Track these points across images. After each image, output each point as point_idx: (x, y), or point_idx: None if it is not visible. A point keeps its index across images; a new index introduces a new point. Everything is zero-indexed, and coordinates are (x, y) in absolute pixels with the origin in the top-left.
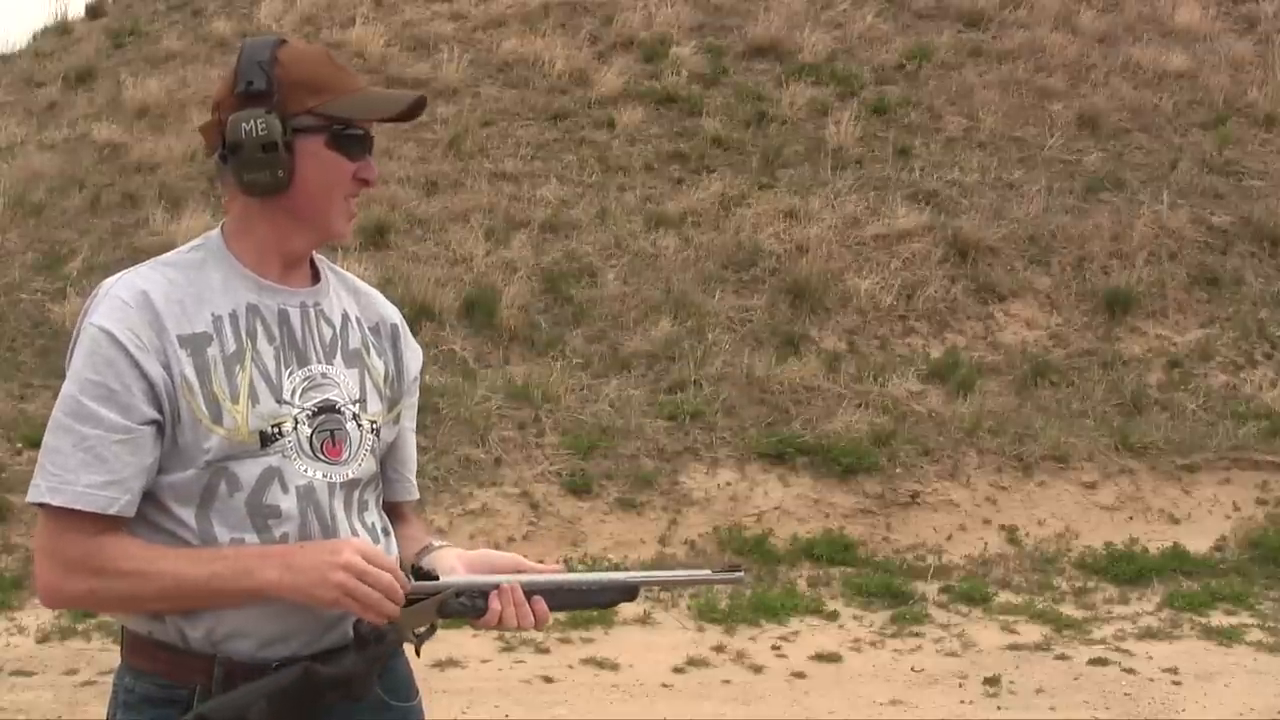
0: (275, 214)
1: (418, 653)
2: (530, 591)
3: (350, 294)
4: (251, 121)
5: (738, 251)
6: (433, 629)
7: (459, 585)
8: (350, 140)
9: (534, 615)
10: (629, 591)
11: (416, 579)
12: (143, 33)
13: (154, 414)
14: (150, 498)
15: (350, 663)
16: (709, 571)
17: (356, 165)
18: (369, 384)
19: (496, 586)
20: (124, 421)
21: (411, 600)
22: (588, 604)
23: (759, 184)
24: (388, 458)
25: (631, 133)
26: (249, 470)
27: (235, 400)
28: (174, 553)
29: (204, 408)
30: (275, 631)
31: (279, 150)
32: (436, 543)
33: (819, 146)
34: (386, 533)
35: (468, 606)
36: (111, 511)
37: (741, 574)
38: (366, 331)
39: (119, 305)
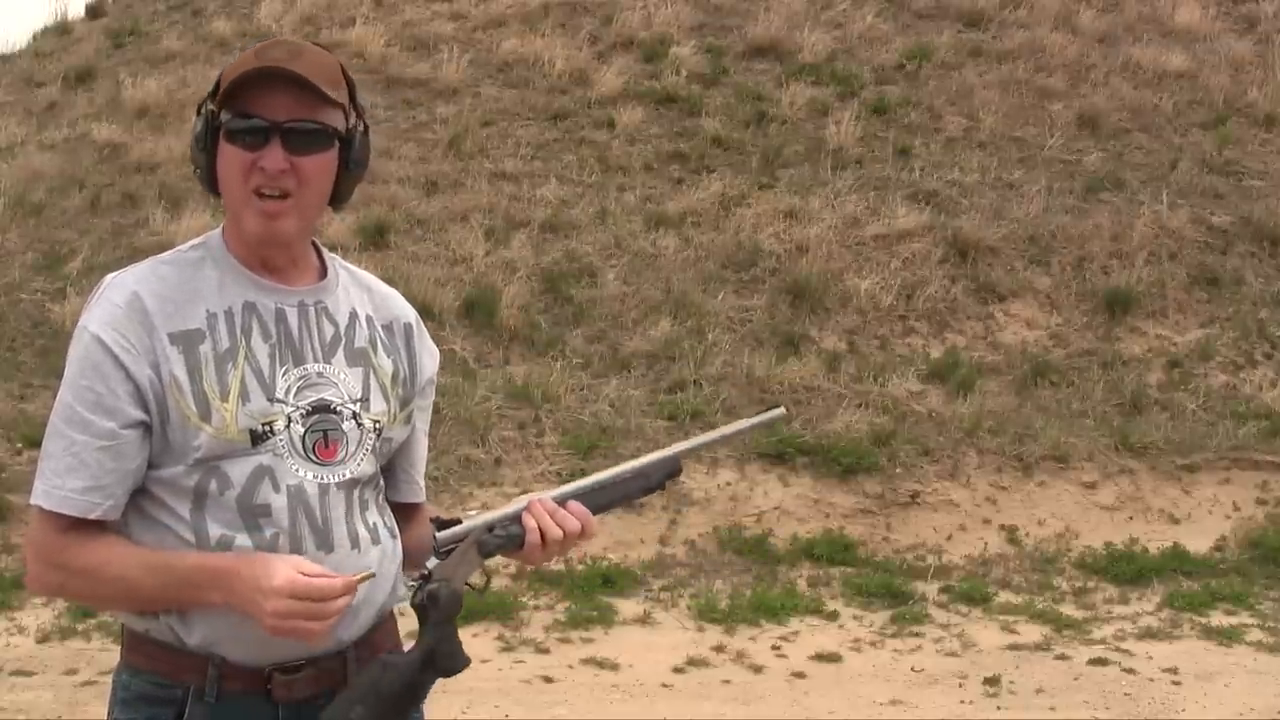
0: (227, 214)
1: (482, 593)
2: (563, 501)
3: (364, 292)
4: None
5: (738, 251)
6: (487, 577)
7: (487, 520)
8: (241, 130)
9: (575, 518)
10: (671, 468)
11: (439, 529)
12: (143, 33)
13: (140, 415)
14: (147, 493)
15: (424, 636)
16: (746, 421)
17: (255, 155)
18: (373, 383)
19: (526, 508)
20: (108, 426)
21: (446, 553)
22: (632, 494)
23: (759, 184)
24: (398, 458)
25: (631, 133)
26: (239, 469)
27: (225, 398)
28: (134, 558)
29: (193, 405)
30: (269, 637)
31: (199, 150)
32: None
33: (819, 146)
34: (394, 534)
35: (504, 538)
36: (92, 516)
37: (781, 410)
38: (378, 330)
39: (110, 308)
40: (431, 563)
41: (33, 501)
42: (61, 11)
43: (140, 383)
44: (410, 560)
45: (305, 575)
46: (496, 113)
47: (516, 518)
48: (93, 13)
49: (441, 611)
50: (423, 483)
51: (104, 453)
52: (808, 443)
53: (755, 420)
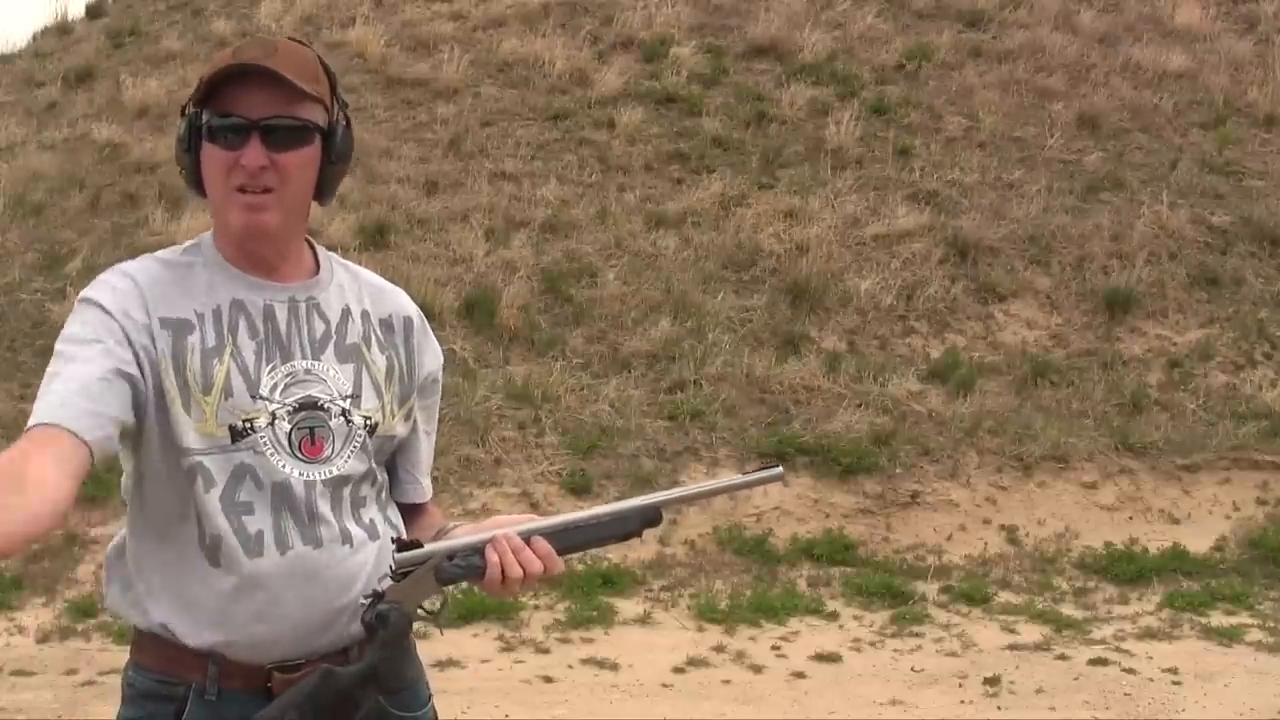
0: (214, 214)
1: (440, 630)
2: (529, 537)
3: (363, 289)
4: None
5: (738, 251)
6: (444, 602)
7: (449, 548)
8: (221, 129)
9: (537, 557)
10: (650, 516)
11: (399, 551)
12: (143, 33)
13: (128, 359)
14: (146, 481)
15: (369, 654)
16: (741, 476)
17: (235, 154)
18: (365, 380)
19: (490, 540)
20: (93, 350)
21: (403, 575)
22: (607, 538)
23: (759, 184)
24: (400, 458)
25: (631, 133)
26: (221, 466)
27: (207, 392)
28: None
29: (175, 389)
30: (265, 636)
31: (183, 151)
32: (451, 524)
33: (819, 146)
34: (392, 525)
35: (463, 568)
36: (51, 419)
37: (780, 470)
38: (374, 325)
39: (109, 286)
40: (386, 584)
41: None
42: (61, 11)
43: (135, 346)
44: None
45: None
46: (496, 113)
47: (479, 549)
48: (93, 13)
49: (389, 633)
50: (427, 483)
51: (105, 385)
52: (808, 443)
53: (749, 478)
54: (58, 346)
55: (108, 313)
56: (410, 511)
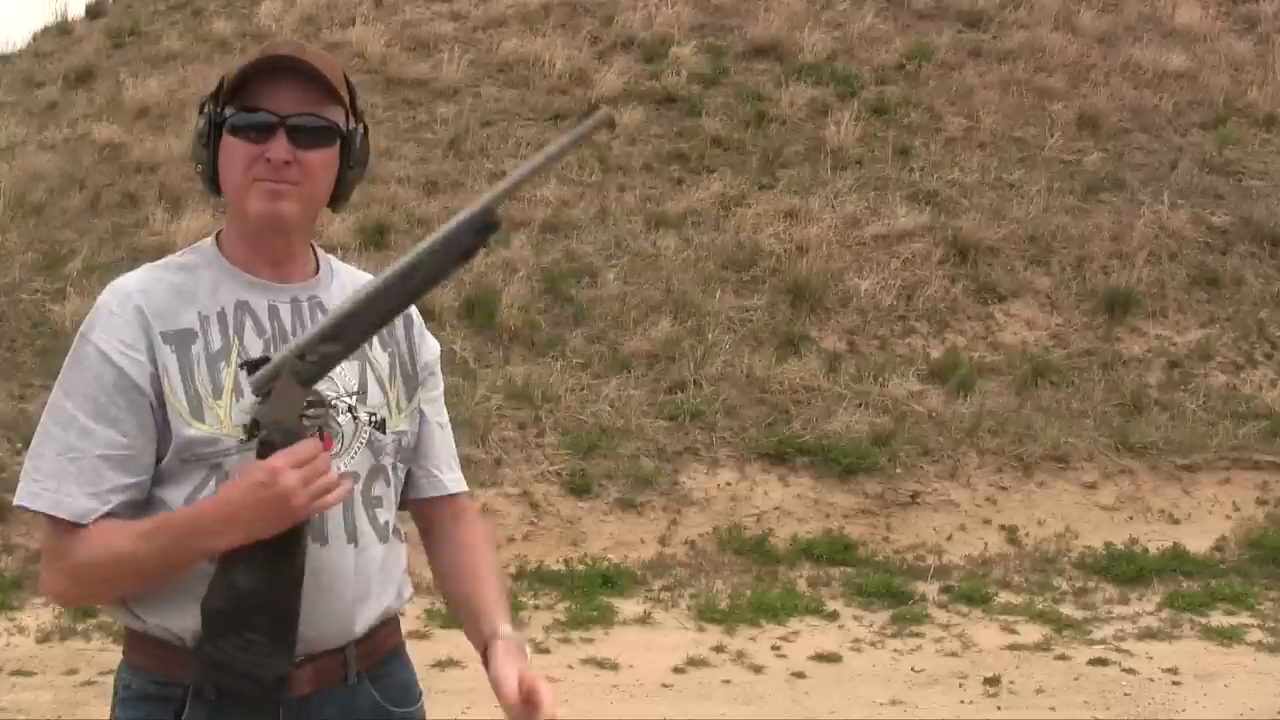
0: (228, 210)
1: (323, 440)
2: (371, 296)
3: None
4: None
5: (738, 251)
6: (322, 404)
7: (296, 347)
8: (245, 124)
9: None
10: (484, 224)
11: (250, 372)
12: (143, 33)
13: (148, 422)
14: (152, 487)
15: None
16: (567, 135)
17: (260, 148)
18: (370, 376)
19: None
20: (110, 435)
21: (267, 394)
22: (446, 267)
23: (759, 184)
24: (411, 453)
25: (631, 133)
26: (235, 465)
27: (218, 395)
28: (128, 531)
29: (184, 403)
30: None
31: (202, 146)
32: (504, 629)
33: (819, 146)
34: (397, 532)
35: (317, 359)
36: (87, 522)
37: (606, 111)
38: None
39: (108, 314)
40: (253, 409)
41: (18, 502)
42: (61, 11)
43: (141, 385)
44: (453, 572)
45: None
46: (496, 113)
47: (329, 336)
48: (93, 13)
49: (270, 449)
50: (444, 476)
51: (104, 461)
52: (808, 443)
53: (576, 131)
54: (61, 400)
55: (108, 359)
56: (436, 509)
